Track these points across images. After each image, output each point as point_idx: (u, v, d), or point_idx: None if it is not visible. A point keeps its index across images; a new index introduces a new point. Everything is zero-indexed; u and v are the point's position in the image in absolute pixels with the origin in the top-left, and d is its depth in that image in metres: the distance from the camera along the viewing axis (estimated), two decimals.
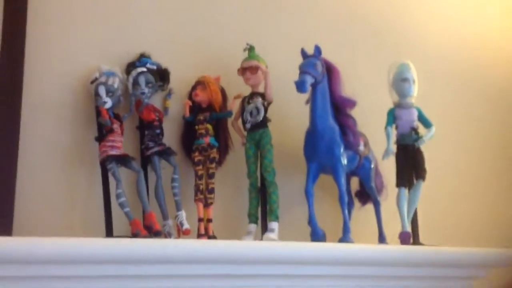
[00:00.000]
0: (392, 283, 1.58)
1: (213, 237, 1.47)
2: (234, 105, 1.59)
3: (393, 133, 1.70)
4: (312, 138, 1.57)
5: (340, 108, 1.61)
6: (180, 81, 1.57)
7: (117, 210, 1.38)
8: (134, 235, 1.34)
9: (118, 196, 1.37)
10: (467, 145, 2.12)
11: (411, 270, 1.59)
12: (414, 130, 1.69)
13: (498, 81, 2.25)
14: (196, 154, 1.51)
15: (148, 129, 1.49)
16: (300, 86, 1.51)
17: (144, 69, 1.48)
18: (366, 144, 1.68)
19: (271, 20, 1.81)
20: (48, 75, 1.46)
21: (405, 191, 1.66)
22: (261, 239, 1.50)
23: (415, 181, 1.68)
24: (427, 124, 1.72)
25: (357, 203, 1.78)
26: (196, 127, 1.52)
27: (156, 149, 1.47)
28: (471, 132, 2.14)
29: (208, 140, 1.51)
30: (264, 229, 1.54)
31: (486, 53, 2.25)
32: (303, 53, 1.59)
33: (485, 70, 2.22)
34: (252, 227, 1.54)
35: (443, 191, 1.97)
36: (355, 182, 1.77)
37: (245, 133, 1.59)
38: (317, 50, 1.58)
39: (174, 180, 1.47)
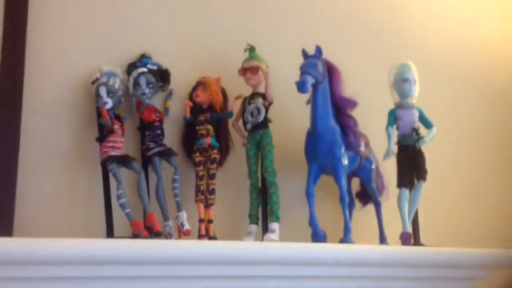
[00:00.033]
0: (393, 284, 1.58)
1: (213, 238, 1.47)
2: (234, 106, 1.59)
3: (394, 133, 1.70)
4: (313, 139, 1.57)
5: (341, 108, 1.61)
6: (181, 81, 1.57)
7: (118, 210, 1.38)
8: (135, 236, 1.34)
9: (119, 197, 1.37)
10: (468, 146, 2.12)
11: (412, 271, 1.59)
12: (415, 130, 1.69)
13: (499, 82, 2.25)
14: (197, 154, 1.51)
15: (148, 129, 1.49)
16: (301, 86, 1.50)
17: (145, 70, 1.48)
18: (367, 145, 1.67)
19: (272, 21, 1.81)
20: (49, 75, 1.46)
21: (406, 192, 1.66)
22: (262, 240, 1.50)
23: (416, 181, 1.68)
24: (428, 124, 1.72)
25: (358, 203, 1.77)
26: (197, 127, 1.52)
27: (156, 149, 1.46)
28: (472, 133, 2.14)
29: (209, 140, 1.51)
30: (265, 229, 1.54)
31: (486, 53, 2.24)
32: (304, 54, 1.59)
33: (486, 71, 2.22)
34: (253, 227, 1.54)
35: (444, 192, 1.97)
36: (355, 183, 1.76)
37: (245, 133, 1.59)
38: (318, 50, 1.58)
39: (174, 181, 1.47)
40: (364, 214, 1.76)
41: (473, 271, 1.68)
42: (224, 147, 1.56)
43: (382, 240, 1.69)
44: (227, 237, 1.48)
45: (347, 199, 1.57)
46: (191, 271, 1.32)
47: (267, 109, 1.57)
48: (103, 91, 1.42)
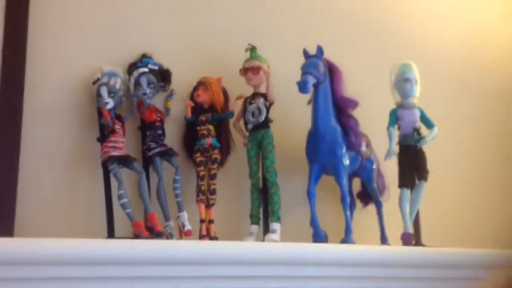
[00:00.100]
0: (394, 284, 1.58)
1: (214, 238, 1.47)
2: (236, 106, 1.59)
3: (395, 133, 1.69)
4: (314, 139, 1.57)
5: (342, 108, 1.61)
6: (182, 81, 1.57)
7: (119, 211, 1.38)
8: (136, 236, 1.34)
9: (120, 197, 1.37)
10: (469, 146, 2.11)
11: (413, 271, 1.59)
12: (416, 130, 1.69)
13: (499, 82, 2.25)
14: (198, 155, 1.50)
15: (149, 129, 1.49)
16: (302, 86, 1.50)
17: (146, 70, 1.48)
18: (368, 145, 1.67)
19: (273, 21, 1.81)
20: (50, 75, 1.46)
21: (407, 192, 1.66)
22: (263, 240, 1.50)
23: (417, 181, 1.68)
24: (429, 124, 1.72)
25: (359, 204, 1.77)
26: (198, 128, 1.52)
27: (157, 149, 1.46)
28: (473, 133, 2.14)
29: (210, 141, 1.51)
30: (266, 230, 1.54)
31: (486, 53, 2.24)
32: (305, 54, 1.59)
33: (486, 71, 2.22)
34: (254, 228, 1.54)
35: (445, 192, 1.97)
36: (357, 183, 1.76)
37: (247, 133, 1.59)
38: (319, 50, 1.58)
39: (175, 181, 1.47)
40: (365, 215, 1.76)
41: (474, 271, 1.68)
42: (225, 147, 1.56)
43: (383, 240, 1.69)
44: (228, 238, 1.48)
45: (348, 199, 1.56)
46: (192, 271, 1.32)
47: (268, 109, 1.57)
48: (104, 91, 1.42)
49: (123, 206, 1.37)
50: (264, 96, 1.58)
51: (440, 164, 1.82)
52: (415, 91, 1.71)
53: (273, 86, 1.58)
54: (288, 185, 1.62)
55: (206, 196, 1.48)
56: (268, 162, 1.54)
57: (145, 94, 1.47)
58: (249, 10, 1.78)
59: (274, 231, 1.49)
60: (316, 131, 1.56)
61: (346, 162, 1.57)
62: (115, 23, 1.56)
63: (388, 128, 1.69)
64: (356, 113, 1.63)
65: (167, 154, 1.47)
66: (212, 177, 1.49)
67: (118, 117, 1.45)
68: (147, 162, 1.49)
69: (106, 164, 1.40)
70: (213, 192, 1.48)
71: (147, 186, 1.44)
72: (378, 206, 1.72)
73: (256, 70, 1.58)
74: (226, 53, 1.67)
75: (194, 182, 1.50)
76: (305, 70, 1.54)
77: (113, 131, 1.41)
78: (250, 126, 1.57)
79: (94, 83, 1.44)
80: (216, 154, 1.50)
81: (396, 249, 1.60)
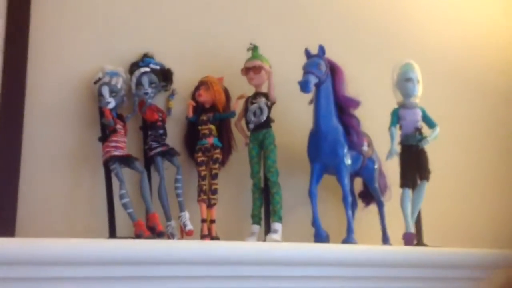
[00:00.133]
0: (395, 285, 1.58)
1: (216, 238, 1.47)
2: (237, 106, 1.58)
3: (397, 133, 1.69)
4: (316, 139, 1.57)
5: (344, 108, 1.60)
6: (184, 81, 1.57)
7: (121, 210, 1.38)
8: (138, 236, 1.34)
9: (121, 197, 1.37)
10: (470, 146, 2.11)
11: (414, 271, 1.58)
12: (418, 130, 1.68)
13: (499, 81, 2.24)
14: (199, 154, 1.50)
15: (151, 129, 1.48)
16: (304, 86, 1.50)
17: (148, 69, 1.48)
18: (369, 145, 1.67)
19: (274, 20, 1.81)
20: (51, 75, 1.46)
21: (409, 192, 1.65)
22: (265, 240, 1.50)
23: (419, 181, 1.68)
24: (431, 124, 1.71)
25: (360, 203, 1.77)
26: (199, 127, 1.52)
27: (159, 149, 1.46)
28: (475, 133, 2.13)
29: (211, 140, 1.50)
30: (268, 230, 1.54)
31: (487, 53, 2.24)
32: (307, 53, 1.59)
33: (486, 70, 2.22)
34: (256, 228, 1.54)
35: (447, 192, 1.96)
36: (358, 183, 1.76)
37: (248, 133, 1.59)
38: (321, 50, 1.58)
39: (177, 181, 1.47)
40: (366, 214, 1.76)
41: (476, 271, 1.68)
42: (227, 147, 1.56)
43: (385, 240, 1.69)
44: (230, 237, 1.48)
45: (350, 199, 1.56)
46: (193, 271, 1.32)
47: (269, 108, 1.57)
48: (105, 90, 1.42)
49: (125, 206, 1.36)
50: (266, 95, 1.58)
51: (442, 164, 1.82)
52: (417, 90, 1.71)
53: (275, 85, 1.57)
54: (289, 185, 1.62)
55: (207, 196, 1.48)
56: (269, 161, 1.54)
57: (146, 93, 1.46)
58: (250, 9, 1.78)
59: (275, 231, 1.49)
60: (317, 131, 1.56)
61: (348, 161, 1.57)
62: (116, 23, 1.56)
63: (389, 128, 1.68)
64: (358, 112, 1.63)
65: (169, 154, 1.47)
66: (214, 176, 1.49)
67: (120, 117, 1.45)
68: (149, 162, 1.49)
69: (107, 164, 1.40)
70: (214, 192, 1.48)
71: (149, 185, 1.43)
72: (380, 206, 1.72)
73: (257, 69, 1.57)
74: (227, 53, 1.67)
75: (195, 181, 1.50)
76: (307, 70, 1.54)
77: (114, 131, 1.41)
78: (251, 125, 1.57)
79: (95, 82, 1.44)
80: (217, 154, 1.50)
81: (397, 249, 1.60)
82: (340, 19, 1.94)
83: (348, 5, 1.96)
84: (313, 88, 1.53)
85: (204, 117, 1.52)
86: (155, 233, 1.37)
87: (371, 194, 1.73)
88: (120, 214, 1.39)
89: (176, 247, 1.30)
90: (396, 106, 1.71)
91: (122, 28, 1.56)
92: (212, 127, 1.52)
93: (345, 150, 1.56)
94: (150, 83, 1.47)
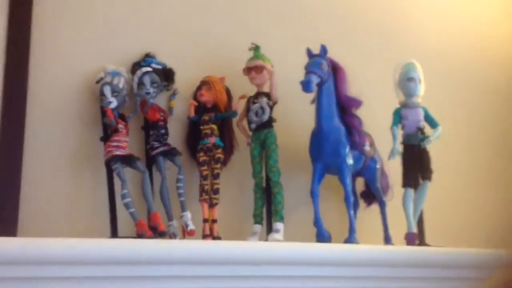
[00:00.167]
0: (397, 285, 1.57)
1: (218, 237, 1.47)
2: (239, 105, 1.58)
3: (399, 133, 1.69)
4: (318, 138, 1.56)
5: (346, 108, 1.60)
6: (185, 81, 1.57)
7: (122, 210, 1.38)
8: (139, 235, 1.34)
9: (123, 197, 1.37)
10: (472, 146, 2.11)
11: (416, 271, 1.58)
12: (420, 130, 1.68)
13: (500, 80, 2.24)
14: (201, 154, 1.50)
15: (153, 129, 1.48)
16: (306, 85, 1.50)
17: (149, 69, 1.48)
18: (371, 144, 1.67)
19: (276, 20, 1.81)
20: (53, 75, 1.46)
21: (411, 192, 1.65)
22: (266, 240, 1.50)
23: (421, 181, 1.67)
24: (433, 124, 1.71)
25: (362, 203, 1.77)
26: (201, 127, 1.52)
27: (161, 149, 1.46)
28: (477, 132, 2.13)
29: (213, 140, 1.50)
30: (269, 229, 1.54)
31: (488, 52, 2.23)
32: (309, 53, 1.59)
33: (487, 70, 2.21)
34: (257, 227, 1.54)
35: (449, 192, 1.96)
36: (360, 183, 1.76)
37: (250, 133, 1.59)
38: (323, 49, 1.57)
39: (179, 181, 1.47)
40: (368, 214, 1.75)
41: (478, 271, 1.67)
42: (228, 146, 1.56)
43: (387, 240, 1.69)
44: (231, 237, 1.48)
45: (352, 198, 1.56)
46: (195, 271, 1.31)
47: (271, 108, 1.57)
48: (107, 90, 1.42)
49: (127, 206, 1.36)
50: (268, 95, 1.57)
51: (444, 163, 1.82)
52: (419, 90, 1.70)
53: (277, 85, 1.57)
54: (291, 185, 1.62)
55: (209, 195, 1.48)
56: (271, 161, 1.54)
57: (148, 93, 1.46)
58: (252, 9, 1.78)
59: (277, 231, 1.49)
60: (319, 131, 1.56)
61: (350, 161, 1.57)
62: (118, 23, 1.56)
63: (391, 128, 1.68)
64: (360, 112, 1.63)
65: (170, 154, 1.47)
66: (215, 176, 1.49)
67: (122, 117, 1.45)
68: (151, 162, 1.48)
69: (109, 164, 1.40)
70: (216, 191, 1.48)
71: (151, 185, 1.43)
72: (382, 205, 1.72)
73: (259, 69, 1.57)
74: (229, 52, 1.67)
75: (197, 181, 1.50)
76: (309, 70, 1.54)
77: (116, 131, 1.41)
78: (253, 125, 1.56)
79: (97, 82, 1.45)
80: (219, 154, 1.50)
81: (399, 249, 1.60)
82: (342, 18, 1.94)
83: (350, 5, 1.96)
84: (315, 88, 1.53)
85: (206, 117, 1.52)
86: (157, 233, 1.37)
87: (373, 194, 1.73)
88: (122, 214, 1.39)
89: (178, 247, 1.30)
90: (398, 105, 1.71)
91: (124, 28, 1.56)
92: (214, 126, 1.52)
93: (347, 150, 1.56)
94: (152, 82, 1.47)
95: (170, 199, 1.45)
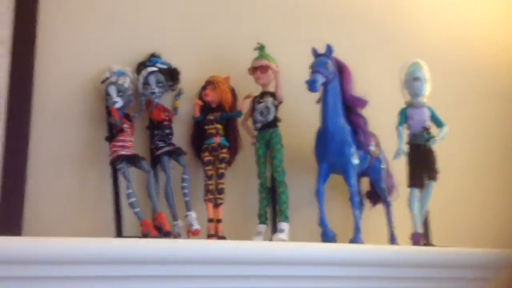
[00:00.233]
0: (403, 285, 1.57)
1: (222, 237, 1.47)
2: (244, 105, 1.58)
3: (405, 133, 1.68)
4: (323, 138, 1.56)
5: (351, 107, 1.60)
6: (190, 81, 1.57)
7: (127, 210, 1.38)
8: (144, 235, 1.34)
9: (128, 196, 1.37)
10: (478, 146, 2.10)
11: (422, 271, 1.58)
12: (426, 130, 1.67)
13: (504, 82, 2.23)
14: (206, 154, 1.50)
15: (158, 129, 1.48)
16: (311, 85, 1.50)
17: (155, 69, 1.48)
18: (377, 144, 1.66)
19: (281, 19, 1.80)
20: (59, 74, 1.46)
21: (416, 192, 1.65)
22: (271, 240, 1.50)
23: (426, 181, 1.67)
24: (439, 123, 1.70)
25: (367, 203, 1.76)
26: (206, 127, 1.52)
27: (166, 149, 1.46)
28: (482, 132, 2.12)
29: (218, 140, 1.50)
30: (274, 229, 1.54)
31: (491, 52, 2.22)
32: (314, 52, 1.58)
33: (491, 71, 2.20)
34: (262, 227, 1.54)
35: (455, 192, 1.95)
36: (365, 183, 1.75)
37: (255, 133, 1.59)
38: (328, 49, 1.57)
39: (183, 180, 1.47)
40: (374, 214, 1.75)
41: (484, 271, 1.66)
42: (233, 146, 1.56)
43: (392, 240, 1.68)
44: (236, 237, 1.48)
45: (357, 198, 1.56)
46: (200, 271, 1.31)
47: (276, 108, 1.56)
48: (112, 90, 1.43)
49: (131, 205, 1.37)
50: (273, 95, 1.57)
51: (450, 163, 1.81)
52: (424, 90, 1.70)
53: (282, 85, 1.57)
54: (296, 185, 1.62)
55: (214, 195, 1.48)
56: (276, 161, 1.54)
57: (153, 93, 1.47)
58: (257, 9, 1.78)
59: (282, 231, 1.49)
60: (325, 130, 1.56)
61: (355, 161, 1.56)
62: (123, 23, 1.56)
63: (397, 127, 1.68)
64: (365, 112, 1.62)
65: (175, 153, 1.47)
66: (220, 176, 1.49)
67: (127, 116, 1.46)
68: (155, 161, 1.48)
69: (114, 163, 1.40)
70: (221, 191, 1.48)
71: (155, 185, 1.44)
72: (387, 205, 1.71)
73: (264, 69, 1.57)
74: (234, 52, 1.67)
75: (202, 181, 1.50)
76: (314, 69, 1.54)
77: (121, 130, 1.41)
78: (258, 125, 1.56)
79: (102, 82, 1.45)
80: (224, 153, 1.50)
81: (405, 249, 1.59)
82: (348, 18, 1.93)
83: (356, 5, 1.96)
84: (320, 88, 1.53)
85: (211, 117, 1.52)
86: (162, 232, 1.37)
87: (378, 194, 1.72)
88: (127, 214, 1.39)
89: (183, 247, 1.29)
90: (403, 105, 1.71)
91: (129, 28, 1.56)
92: (219, 126, 1.52)
93: (353, 149, 1.56)
94: (157, 82, 1.47)
95: (174, 199, 1.45)
